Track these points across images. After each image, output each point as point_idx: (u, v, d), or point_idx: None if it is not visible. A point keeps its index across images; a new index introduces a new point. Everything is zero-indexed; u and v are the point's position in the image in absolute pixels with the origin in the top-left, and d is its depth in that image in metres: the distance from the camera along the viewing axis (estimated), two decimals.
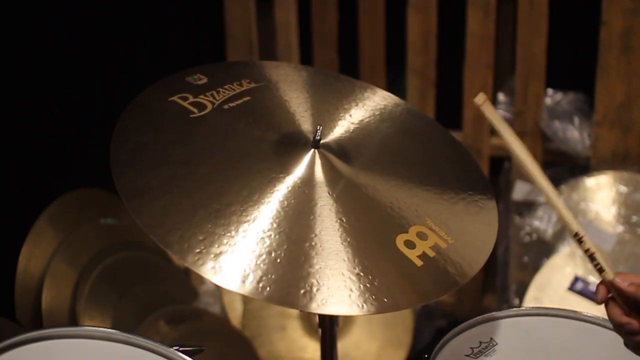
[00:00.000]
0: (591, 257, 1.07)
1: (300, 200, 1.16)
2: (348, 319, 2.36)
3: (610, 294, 1.06)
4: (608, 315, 1.06)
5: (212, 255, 1.07)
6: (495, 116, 1.16)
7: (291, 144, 1.25)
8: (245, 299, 2.36)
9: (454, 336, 1.28)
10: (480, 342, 1.27)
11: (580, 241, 1.08)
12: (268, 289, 1.06)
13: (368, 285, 1.09)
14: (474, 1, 2.31)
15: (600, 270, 1.07)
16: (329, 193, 1.18)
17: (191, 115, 1.26)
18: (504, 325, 1.31)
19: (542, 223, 2.28)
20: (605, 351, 1.27)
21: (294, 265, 1.08)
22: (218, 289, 2.43)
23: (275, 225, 1.12)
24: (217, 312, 2.41)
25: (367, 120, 1.37)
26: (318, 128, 1.24)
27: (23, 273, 1.93)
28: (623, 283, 1.04)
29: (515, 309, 1.34)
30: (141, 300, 2.13)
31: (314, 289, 1.07)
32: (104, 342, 1.12)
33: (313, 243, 1.11)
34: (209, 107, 1.29)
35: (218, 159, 1.20)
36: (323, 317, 1.32)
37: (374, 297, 1.08)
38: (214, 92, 1.31)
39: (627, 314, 1.04)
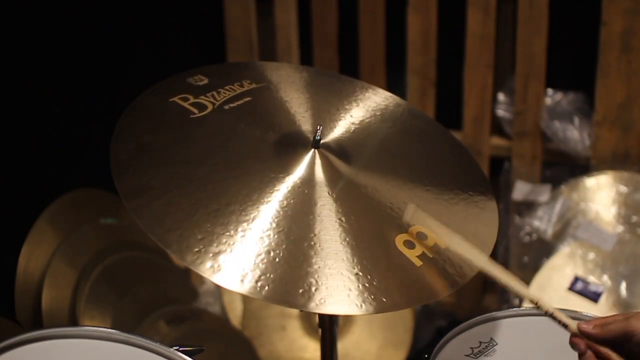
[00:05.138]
0: (553, 317, 1.08)
1: (299, 200, 1.16)
2: (348, 319, 2.36)
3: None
4: None
5: (211, 255, 1.07)
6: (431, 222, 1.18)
7: (291, 144, 1.25)
8: (245, 299, 2.36)
9: (454, 336, 1.27)
10: (480, 342, 1.27)
11: (537, 306, 1.09)
12: (266, 288, 1.06)
13: (367, 284, 1.09)
14: (474, 1, 2.31)
15: (565, 326, 1.08)
16: (328, 193, 1.18)
17: (192, 116, 1.26)
18: (504, 325, 1.31)
19: (542, 223, 2.28)
20: None
21: (292, 264, 1.09)
22: (218, 289, 2.43)
23: (274, 224, 1.12)
24: (217, 312, 2.41)
25: (367, 120, 1.37)
26: (318, 128, 1.24)
27: (23, 273, 1.93)
28: (588, 328, 1.05)
29: (515, 309, 1.34)
30: (141, 300, 2.13)
31: (313, 289, 1.07)
32: (104, 342, 1.12)
33: (312, 243, 1.12)
34: (210, 107, 1.29)
35: (218, 159, 1.20)
36: (323, 317, 1.32)
37: (372, 296, 1.09)
38: (214, 93, 1.31)
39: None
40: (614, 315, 1.06)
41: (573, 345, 1.07)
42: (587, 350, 1.06)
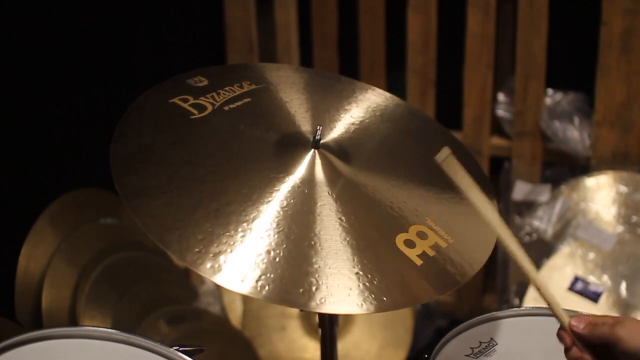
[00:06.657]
0: (549, 309, 1.09)
1: (299, 200, 1.16)
2: (348, 319, 2.36)
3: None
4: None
5: (211, 255, 1.07)
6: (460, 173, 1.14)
7: (291, 145, 1.25)
8: (246, 299, 2.36)
9: (454, 336, 1.27)
10: (480, 342, 1.27)
11: (539, 290, 1.11)
12: (267, 287, 1.06)
13: (367, 284, 1.09)
14: (474, 1, 2.31)
15: (557, 319, 1.08)
16: (328, 193, 1.18)
17: (191, 117, 1.26)
18: (504, 325, 1.31)
19: (542, 223, 2.28)
20: None
21: (292, 264, 1.08)
22: (218, 289, 2.43)
23: (274, 224, 1.12)
24: (217, 312, 2.41)
25: (367, 120, 1.37)
26: (318, 128, 1.24)
27: (23, 273, 1.93)
28: (578, 327, 1.05)
29: (515, 309, 1.34)
30: (141, 300, 2.13)
31: (313, 288, 1.07)
32: (104, 342, 1.12)
33: (312, 242, 1.12)
34: (210, 108, 1.29)
35: (218, 159, 1.20)
36: (323, 317, 1.32)
37: (372, 296, 1.09)
38: (214, 94, 1.31)
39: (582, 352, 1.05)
40: (605, 316, 1.06)
41: (560, 338, 1.07)
42: (572, 346, 1.06)
